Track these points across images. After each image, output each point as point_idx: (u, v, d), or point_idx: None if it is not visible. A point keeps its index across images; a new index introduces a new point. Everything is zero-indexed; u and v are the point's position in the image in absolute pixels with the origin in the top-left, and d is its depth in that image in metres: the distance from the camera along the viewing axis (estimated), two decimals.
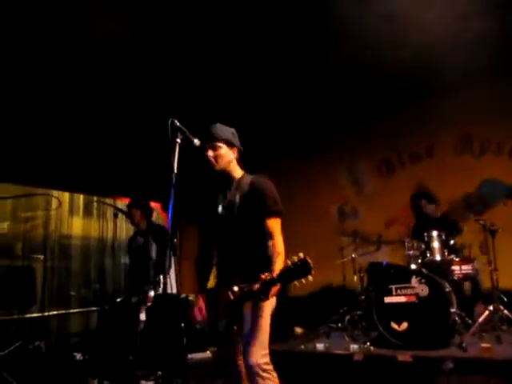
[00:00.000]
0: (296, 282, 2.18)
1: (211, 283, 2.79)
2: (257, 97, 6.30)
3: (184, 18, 4.55)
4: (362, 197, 7.40)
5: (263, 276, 2.29)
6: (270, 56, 5.41)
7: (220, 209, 2.78)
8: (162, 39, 4.82)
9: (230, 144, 2.77)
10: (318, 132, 7.53)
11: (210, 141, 2.74)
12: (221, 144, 2.74)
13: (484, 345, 4.28)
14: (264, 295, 2.33)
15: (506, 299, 4.99)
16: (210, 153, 2.72)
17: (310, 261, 2.17)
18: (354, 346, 4.72)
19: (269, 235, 2.57)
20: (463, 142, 6.60)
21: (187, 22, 4.61)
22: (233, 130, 2.85)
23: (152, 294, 4.36)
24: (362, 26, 4.81)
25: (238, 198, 2.68)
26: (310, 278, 2.16)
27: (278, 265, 2.41)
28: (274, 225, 2.59)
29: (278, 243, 2.54)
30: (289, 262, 2.21)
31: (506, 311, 4.77)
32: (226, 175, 2.79)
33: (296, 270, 2.17)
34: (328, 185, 7.54)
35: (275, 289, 2.34)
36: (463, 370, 3.98)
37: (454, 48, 5.29)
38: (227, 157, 2.75)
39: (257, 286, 2.31)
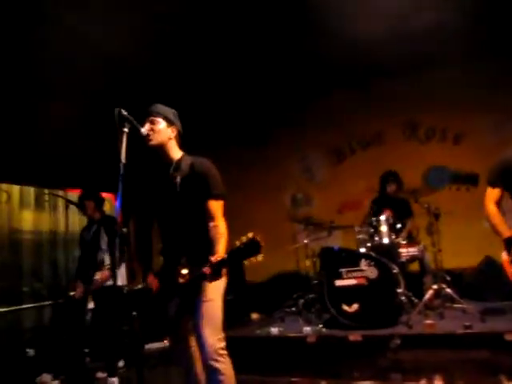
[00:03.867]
0: (246, 262, 2.20)
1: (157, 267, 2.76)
2: (208, 83, 6.25)
3: None
4: (314, 184, 7.57)
5: (213, 258, 2.29)
6: (221, 43, 5.40)
7: (160, 191, 2.68)
8: (106, 21, 4.71)
9: (169, 121, 2.68)
10: (269, 120, 7.60)
11: (149, 116, 2.67)
12: (159, 119, 2.65)
13: (428, 321, 4.52)
14: (215, 276, 2.32)
15: (448, 278, 5.26)
16: (147, 126, 2.62)
17: (259, 240, 2.18)
18: (306, 329, 4.86)
19: (211, 217, 2.54)
20: (410, 128, 6.86)
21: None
22: (174, 111, 2.77)
23: (97, 277, 4.34)
24: (309, 8, 4.81)
25: (178, 179, 2.60)
26: (260, 257, 2.18)
27: (222, 246, 2.41)
28: (217, 207, 2.55)
29: (221, 225, 2.51)
30: (237, 243, 2.23)
31: (448, 289, 5.01)
32: (164, 155, 2.69)
33: (246, 250, 2.19)
34: (281, 172, 7.63)
35: (225, 269, 2.36)
36: (409, 345, 4.22)
37: (404, 33, 5.39)
38: (164, 133, 2.65)
39: (207, 268, 2.29)
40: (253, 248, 2.18)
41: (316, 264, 5.87)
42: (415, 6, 4.93)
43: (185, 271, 2.45)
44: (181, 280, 2.45)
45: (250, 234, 2.21)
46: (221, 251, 2.37)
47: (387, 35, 5.36)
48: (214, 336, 2.45)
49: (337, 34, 5.24)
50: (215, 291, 2.53)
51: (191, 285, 2.45)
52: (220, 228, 2.50)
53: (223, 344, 2.48)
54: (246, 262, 2.21)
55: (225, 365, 2.45)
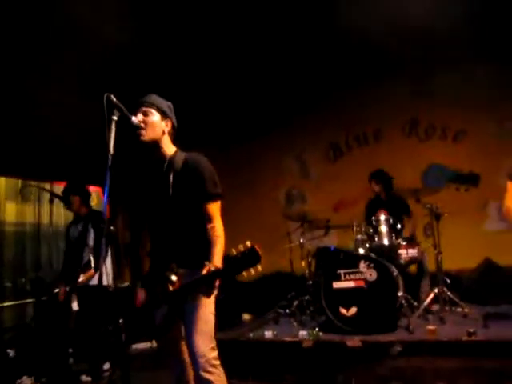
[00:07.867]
0: (244, 273, 2.00)
1: (144, 270, 2.60)
2: (202, 78, 6.07)
3: None
4: (309, 181, 7.35)
5: (206, 267, 2.09)
6: (212, 36, 5.23)
7: (151, 189, 2.51)
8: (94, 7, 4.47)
9: (163, 114, 2.48)
10: (265, 116, 7.36)
11: (141, 106, 2.46)
12: (153, 111, 2.44)
13: (429, 327, 4.35)
14: (207, 288, 2.15)
15: (449, 281, 5.08)
16: (140, 117, 2.41)
17: (258, 249, 1.99)
18: (302, 333, 4.66)
19: (208, 219, 2.36)
20: (409, 126, 6.67)
21: None
22: (169, 103, 2.58)
23: (82, 279, 4.17)
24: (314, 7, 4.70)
25: (171, 177, 2.41)
26: (260, 267, 1.99)
27: (218, 249, 2.25)
28: (214, 208, 2.38)
29: (218, 227, 2.34)
30: (234, 252, 2.03)
31: (449, 293, 4.86)
32: (156, 150, 2.49)
33: (243, 260, 1.99)
34: (275, 169, 7.45)
35: (219, 280, 2.16)
36: (410, 352, 4.04)
37: (403, 33, 5.26)
38: (159, 127, 2.45)
39: (199, 279, 2.12)
40: (251, 258, 1.98)
41: (311, 264, 5.67)
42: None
43: (174, 278, 2.28)
44: (170, 287, 2.27)
45: (249, 243, 2.01)
46: (217, 254, 2.21)
47: (386, 33, 5.22)
48: (205, 345, 2.29)
49: (336, 32, 5.15)
50: (207, 297, 2.32)
51: (181, 291, 2.27)
52: (217, 229, 2.33)
53: (215, 353, 2.33)
54: (244, 273, 2.01)
55: (218, 376, 2.30)
